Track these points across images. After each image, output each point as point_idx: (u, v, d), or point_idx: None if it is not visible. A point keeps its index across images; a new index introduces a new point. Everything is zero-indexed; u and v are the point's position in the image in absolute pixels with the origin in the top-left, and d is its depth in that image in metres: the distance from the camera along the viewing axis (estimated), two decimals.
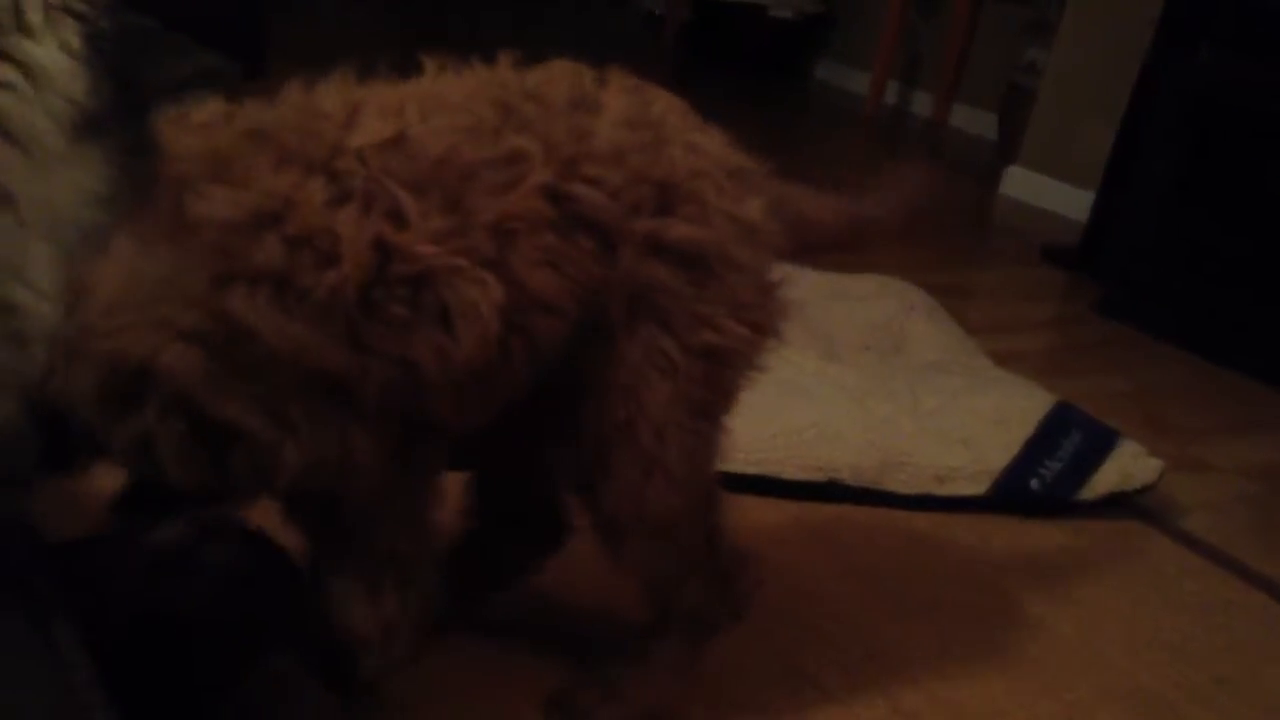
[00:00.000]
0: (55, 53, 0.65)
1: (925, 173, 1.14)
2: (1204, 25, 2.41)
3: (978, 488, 1.54)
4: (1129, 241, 2.53)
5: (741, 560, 1.03)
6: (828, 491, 1.50)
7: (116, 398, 0.70)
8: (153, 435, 0.71)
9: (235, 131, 0.77)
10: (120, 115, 0.69)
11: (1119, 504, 1.61)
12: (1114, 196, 2.68)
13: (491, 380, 0.82)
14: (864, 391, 1.65)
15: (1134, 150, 2.62)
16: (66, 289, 0.68)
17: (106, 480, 0.79)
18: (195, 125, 0.77)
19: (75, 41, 0.66)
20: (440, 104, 0.82)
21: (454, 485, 1.09)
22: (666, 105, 0.91)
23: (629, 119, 0.87)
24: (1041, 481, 1.57)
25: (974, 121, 4.17)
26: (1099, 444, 1.62)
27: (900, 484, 1.53)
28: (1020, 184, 3.37)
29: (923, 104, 4.41)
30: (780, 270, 0.94)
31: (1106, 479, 1.59)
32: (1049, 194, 3.29)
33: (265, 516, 0.87)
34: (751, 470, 1.46)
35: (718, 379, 0.91)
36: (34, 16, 0.64)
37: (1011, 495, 1.55)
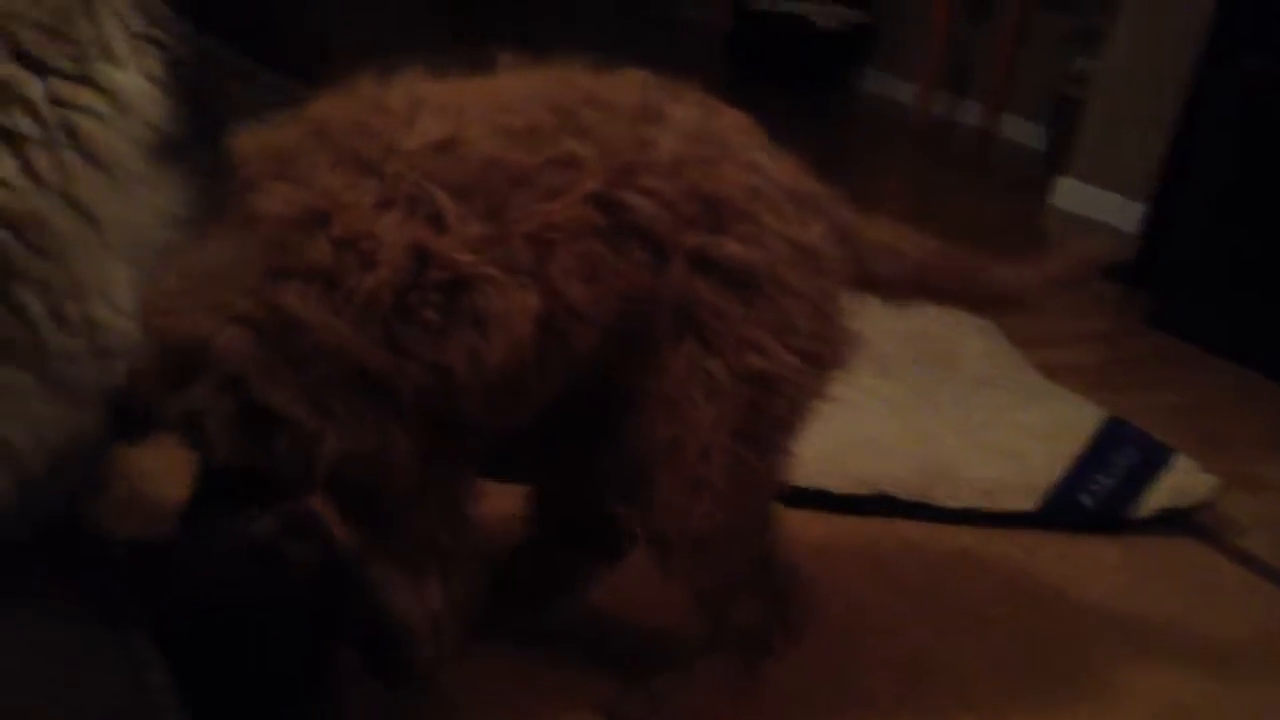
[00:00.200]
0: (139, 79, 0.68)
1: (1079, 261, 1.12)
2: (1253, 34, 2.37)
3: (1027, 503, 1.53)
4: (1180, 253, 2.49)
5: (798, 582, 1.03)
6: (875, 505, 1.50)
7: (173, 372, 0.73)
8: (203, 412, 0.74)
9: (300, 129, 0.80)
10: (197, 139, 0.72)
11: (1172, 521, 1.58)
12: (1166, 208, 2.65)
13: (524, 383, 0.83)
14: (912, 406, 1.64)
15: (1185, 161, 2.59)
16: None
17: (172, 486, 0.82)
18: (264, 129, 0.80)
19: (157, 68, 0.69)
20: (499, 105, 0.83)
21: (515, 494, 1.11)
22: (732, 122, 0.91)
23: (692, 132, 0.86)
24: (1093, 497, 1.55)
25: (1023, 132, 4.12)
26: (1152, 460, 1.60)
27: (948, 498, 1.52)
28: (1070, 195, 3.33)
29: (970, 114, 4.37)
30: (848, 300, 0.92)
31: (1159, 496, 1.57)
32: (1099, 205, 3.25)
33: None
34: (799, 483, 1.46)
35: (767, 405, 0.89)
36: (119, 45, 0.66)
37: (1062, 511, 1.54)
